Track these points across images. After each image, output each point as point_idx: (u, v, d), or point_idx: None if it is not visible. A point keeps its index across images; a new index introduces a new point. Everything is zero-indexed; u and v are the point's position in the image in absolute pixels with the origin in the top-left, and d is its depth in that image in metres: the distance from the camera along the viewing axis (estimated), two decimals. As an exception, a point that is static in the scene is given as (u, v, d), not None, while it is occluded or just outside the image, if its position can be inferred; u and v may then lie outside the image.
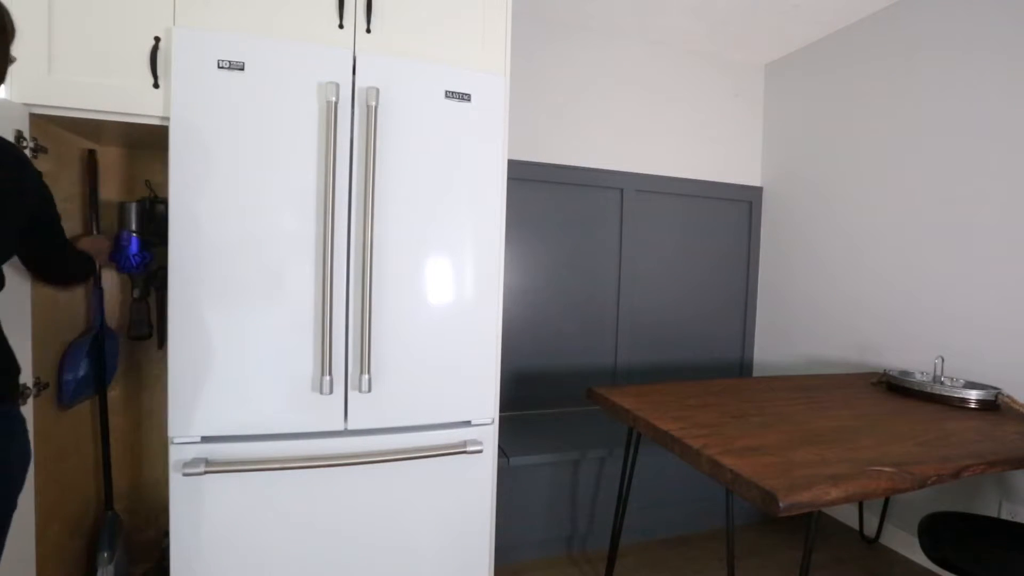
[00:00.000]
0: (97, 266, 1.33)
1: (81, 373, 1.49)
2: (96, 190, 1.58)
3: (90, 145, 1.58)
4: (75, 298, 1.56)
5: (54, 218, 1.12)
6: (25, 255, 1.11)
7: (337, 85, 1.24)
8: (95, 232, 1.58)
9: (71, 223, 1.49)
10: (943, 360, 1.77)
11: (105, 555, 1.51)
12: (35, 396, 1.26)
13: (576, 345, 2.52)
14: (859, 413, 1.47)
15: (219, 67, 1.21)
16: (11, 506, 0.96)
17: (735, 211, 2.81)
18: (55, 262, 1.17)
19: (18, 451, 0.97)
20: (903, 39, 2.11)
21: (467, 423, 1.45)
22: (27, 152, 1.21)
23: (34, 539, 1.25)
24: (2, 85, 0.97)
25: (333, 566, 1.34)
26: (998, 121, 1.80)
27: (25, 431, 0.99)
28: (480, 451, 1.42)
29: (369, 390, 1.32)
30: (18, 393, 1.02)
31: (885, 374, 1.85)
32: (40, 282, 1.25)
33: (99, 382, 1.57)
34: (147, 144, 1.59)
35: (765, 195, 2.83)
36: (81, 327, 1.58)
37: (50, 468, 1.37)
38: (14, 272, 1.14)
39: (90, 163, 1.57)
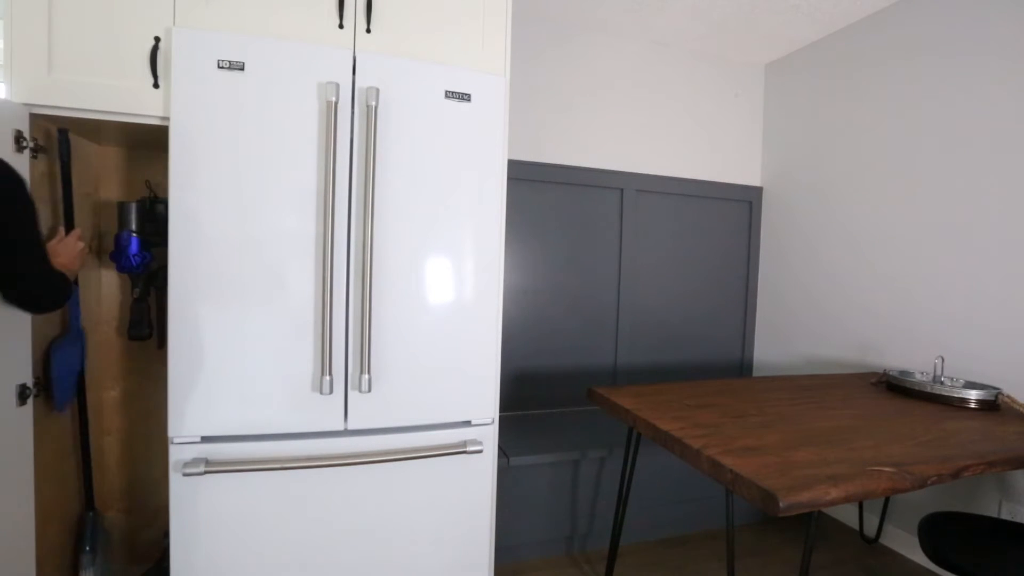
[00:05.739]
0: (73, 279, 1.15)
1: (66, 372, 1.43)
2: (69, 177, 1.39)
3: (91, 144, 1.58)
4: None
5: (18, 235, 0.95)
6: None
7: (337, 85, 1.24)
8: (68, 229, 1.39)
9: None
10: (943, 360, 1.77)
11: (87, 553, 1.50)
12: (35, 396, 1.26)
13: (576, 345, 2.52)
14: (859, 413, 1.47)
15: (219, 67, 1.21)
16: None
17: (735, 211, 2.81)
18: (19, 282, 0.98)
19: None
20: (903, 39, 2.11)
21: (467, 423, 1.45)
22: (27, 152, 1.20)
23: (34, 539, 1.25)
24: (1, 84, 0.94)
25: (333, 565, 1.34)
26: (998, 121, 1.80)
27: None
28: (480, 451, 1.42)
29: (369, 390, 1.32)
30: None
31: (885, 374, 1.85)
32: (7, 302, 1.02)
33: (80, 382, 1.53)
34: (147, 144, 1.59)
35: (765, 195, 2.83)
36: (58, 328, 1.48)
37: (49, 468, 1.36)
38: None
39: (61, 143, 1.35)
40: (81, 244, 1.31)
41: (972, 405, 1.56)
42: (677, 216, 2.70)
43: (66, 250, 1.25)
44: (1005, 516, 1.73)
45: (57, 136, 1.36)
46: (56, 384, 1.38)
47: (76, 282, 1.50)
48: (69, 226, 1.40)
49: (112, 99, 1.24)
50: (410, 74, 1.33)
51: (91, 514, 1.60)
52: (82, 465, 1.59)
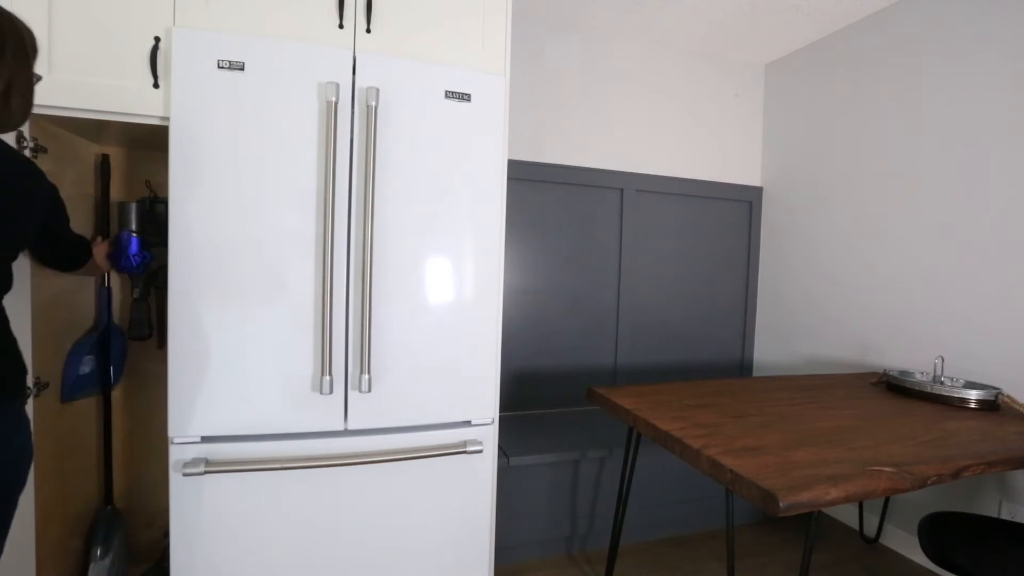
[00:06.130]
0: (93, 260, 1.36)
1: (85, 370, 1.51)
2: (108, 195, 1.61)
3: (91, 145, 1.59)
4: (81, 298, 1.56)
5: (64, 225, 1.19)
6: (33, 251, 1.21)
7: (337, 85, 1.24)
8: (105, 236, 1.60)
9: (72, 222, 1.49)
10: (943, 360, 1.77)
11: (98, 551, 1.50)
12: (35, 396, 1.26)
13: (576, 345, 2.52)
14: (859, 413, 1.47)
15: (219, 67, 1.21)
16: (13, 502, 0.97)
17: (735, 211, 2.81)
18: (60, 256, 1.27)
19: (21, 449, 0.98)
20: (903, 39, 2.11)
21: (467, 423, 1.45)
22: (27, 152, 1.21)
23: (34, 539, 1.25)
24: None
25: (333, 566, 1.34)
26: (998, 121, 1.80)
27: (29, 430, 1.00)
28: (480, 451, 1.42)
29: (369, 390, 1.32)
30: (25, 393, 1.02)
31: (885, 374, 1.85)
32: (41, 265, 1.30)
33: (103, 380, 1.58)
34: (147, 144, 1.59)
35: (765, 195, 2.83)
36: (87, 326, 1.60)
37: (50, 467, 1.37)
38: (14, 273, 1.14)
39: (103, 168, 1.60)
40: (104, 247, 1.48)
41: (972, 405, 1.56)
42: (677, 216, 2.70)
43: (99, 254, 1.41)
44: (1005, 516, 1.73)
45: (99, 161, 1.62)
46: (64, 378, 1.45)
47: (108, 283, 1.63)
48: (105, 232, 1.62)
49: (112, 99, 1.24)
50: (410, 74, 1.33)
51: (109, 508, 1.61)
52: (103, 460, 1.64)
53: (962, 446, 1.22)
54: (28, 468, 1.00)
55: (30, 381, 1.23)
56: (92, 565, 1.49)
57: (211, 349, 1.23)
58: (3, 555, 0.95)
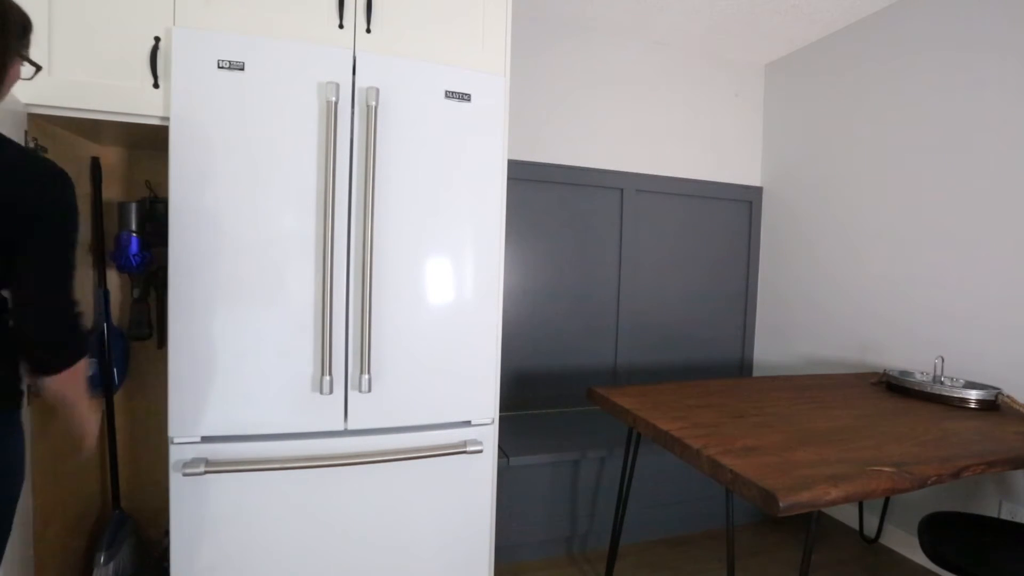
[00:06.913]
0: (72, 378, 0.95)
1: (88, 372, 1.50)
2: (100, 197, 1.60)
3: (91, 145, 1.59)
4: (80, 297, 1.55)
5: (55, 246, 0.90)
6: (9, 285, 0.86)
7: (337, 85, 1.24)
8: (100, 237, 1.61)
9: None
10: (943, 360, 1.77)
11: (101, 556, 1.50)
12: (34, 396, 1.26)
13: (576, 345, 2.52)
14: (859, 413, 1.47)
15: (219, 67, 1.21)
16: (14, 512, 0.96)
17: (735, 211, 2.81)
18: (37, 304, 0.86)
19: (18, 459, 0.95)
20: (903, 39, 2.11)
21: (467, 423, 1.45)
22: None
23: (32, 539, 1.25)
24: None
25: (333, 566, 1.34)
26: (998, 120, 1.80)
27: (24, 439, 0.97)
28: (480, 451, 1.42)
29: (369, 390, 1.32)
30: (21, 400, 0.99)
31: (885, 374, 1.85)
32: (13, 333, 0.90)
33: (105, 383, 1.57)
34: (147, 144, 1.59)
35: (765, 195, 2.83)
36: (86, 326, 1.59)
37: (48, 468, 1.36)
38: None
39: (94, 170, 1.59)
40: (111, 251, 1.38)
41: (972, 405, 1.56)
42: (677, 216, 2.69)
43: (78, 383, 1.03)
44: (1005, 516, 1.73)
45: (90, 163, 1.58)
46: None
47: (106, 284, 1.62)
48: (99, 235, 1.60)
49: (112, 99, 1.24)
50: (410, 74, 1.33)
51: (117, 512, 1.60)
52: (108, 463, 1.64)
53: (962, 446, 1.22)
54: (23, 478, 0.97)
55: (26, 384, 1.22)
56: (95, 571, 1.48)
57: (211, 349, 1.23)
58: (3, 556, 0.94)
